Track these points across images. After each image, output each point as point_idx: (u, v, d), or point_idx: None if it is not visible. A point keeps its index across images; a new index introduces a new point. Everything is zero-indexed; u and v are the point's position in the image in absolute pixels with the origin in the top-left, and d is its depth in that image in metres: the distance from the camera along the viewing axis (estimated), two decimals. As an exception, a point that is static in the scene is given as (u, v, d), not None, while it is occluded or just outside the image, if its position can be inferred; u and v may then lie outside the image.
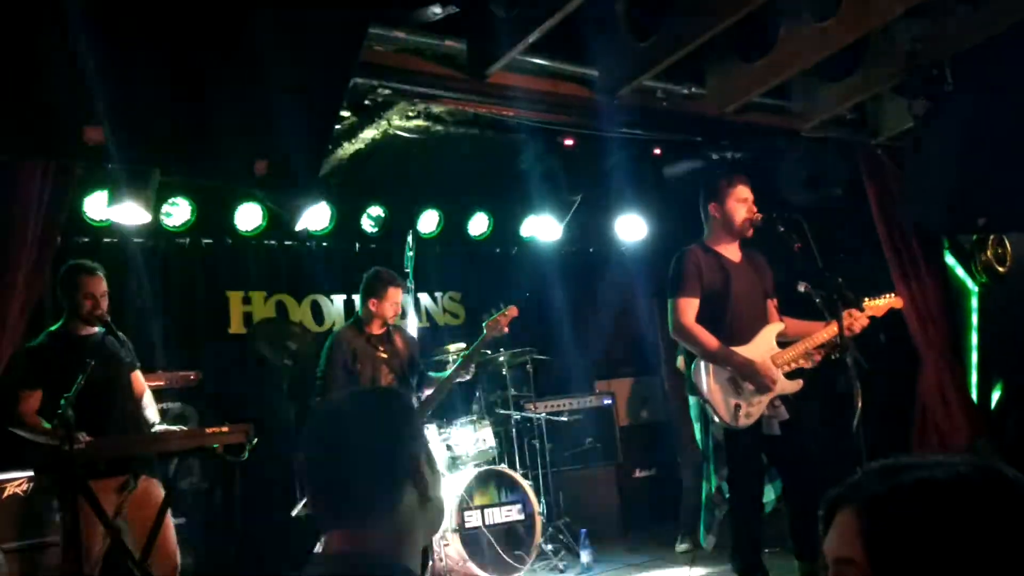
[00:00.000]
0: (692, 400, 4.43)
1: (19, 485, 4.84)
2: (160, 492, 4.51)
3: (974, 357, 6.82)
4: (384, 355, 5.30)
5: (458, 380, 5.46)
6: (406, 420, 1.59)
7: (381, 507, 1.49)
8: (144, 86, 3.23)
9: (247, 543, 5.99)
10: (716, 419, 4.24)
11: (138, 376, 4.79)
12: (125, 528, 4.37)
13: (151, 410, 4.77)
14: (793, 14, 5.08)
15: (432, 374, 5.65)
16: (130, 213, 4.39)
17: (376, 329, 5.34)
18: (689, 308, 4.39)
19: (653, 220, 7.60)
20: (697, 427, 4.41)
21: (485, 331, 5.30)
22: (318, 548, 1.54)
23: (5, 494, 4.81)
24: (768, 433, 4.29)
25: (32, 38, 2.99)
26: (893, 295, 4.72)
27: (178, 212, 6.25)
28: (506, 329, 5.34)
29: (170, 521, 4.49)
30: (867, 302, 4.52)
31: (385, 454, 1.52)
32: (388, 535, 1.48)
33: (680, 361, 4.74)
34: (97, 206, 5.91)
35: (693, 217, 4.78)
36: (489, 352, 6.19)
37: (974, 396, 6.63)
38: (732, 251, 4.56)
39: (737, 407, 4.22)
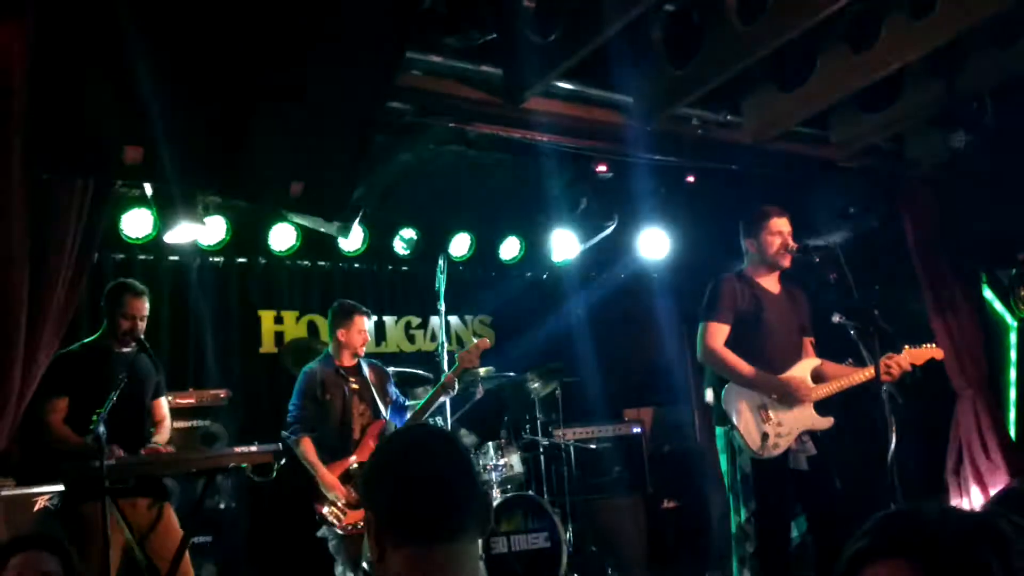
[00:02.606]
0: (719, 431, 4.38)
1: (49, 499, 4.87)
2: (175, 518, 4.54)
3: (1012, 394, 6.68)
4: (355, 386, 5.34)
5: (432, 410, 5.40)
6: None
7: (478, 527, 1.56)
8: (185, 108, 3.27)
9: (272, 563, 5.99)
10: (744, 448, 4.19)
11: (161, 403, 4.82)
12: (144, 548, 4.39)
13: (162, 436, 4.78)
14: (832, 44, 5.05)
15: (408, 402, 5.64)
16: (183, 233, 4.46)
17: (346, 361, 5.40)
18: (719, 333, 4.36)
19: (684, 247, 7.54)
20: (723, 458, 4.36)
21: (458, 362, 5.30)
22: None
23: (36, 507, 4.85)
24: (795, 468, 4.23)
25: (78, 58, 3.03)
26: (934, 345, 4.61)
27: (213, 231, 6.30)
28: (477, 361, 5.34)
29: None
30: (908, 349, 4.44)
31: (480, 478, 1.63)
32: (470, 558, 1.54)
33: (709, 394, 4.68)
34: (134, 223, 5.98)
35: (725, 243, 4.75)
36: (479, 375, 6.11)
37: (1012, 434, 6.49)
38: (771, 282, 4.53)
39: (765, 436, 4.18)
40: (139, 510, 4.44)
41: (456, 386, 5.33)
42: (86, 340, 4.67)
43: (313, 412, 5.23)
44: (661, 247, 7.48)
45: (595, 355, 8.41)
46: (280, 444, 4.77)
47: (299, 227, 6.60)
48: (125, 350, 4.58)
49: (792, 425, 4.22)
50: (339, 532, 5.02)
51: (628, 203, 7.07)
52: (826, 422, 4.35)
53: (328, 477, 5.06)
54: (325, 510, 5.05)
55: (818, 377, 4.40)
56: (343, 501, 5.02)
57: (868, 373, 4.24)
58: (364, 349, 5.46)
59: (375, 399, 5.36)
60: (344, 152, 3.85)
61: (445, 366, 5.54)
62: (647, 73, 5.05)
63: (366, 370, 5.46)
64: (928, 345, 4.58)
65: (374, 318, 5.50)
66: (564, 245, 7.79)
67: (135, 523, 4.38)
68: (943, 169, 6.19)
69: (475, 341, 5.41)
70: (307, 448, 5.15)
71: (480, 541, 1.60)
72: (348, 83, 3.61)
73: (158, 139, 3.17)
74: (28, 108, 3.05)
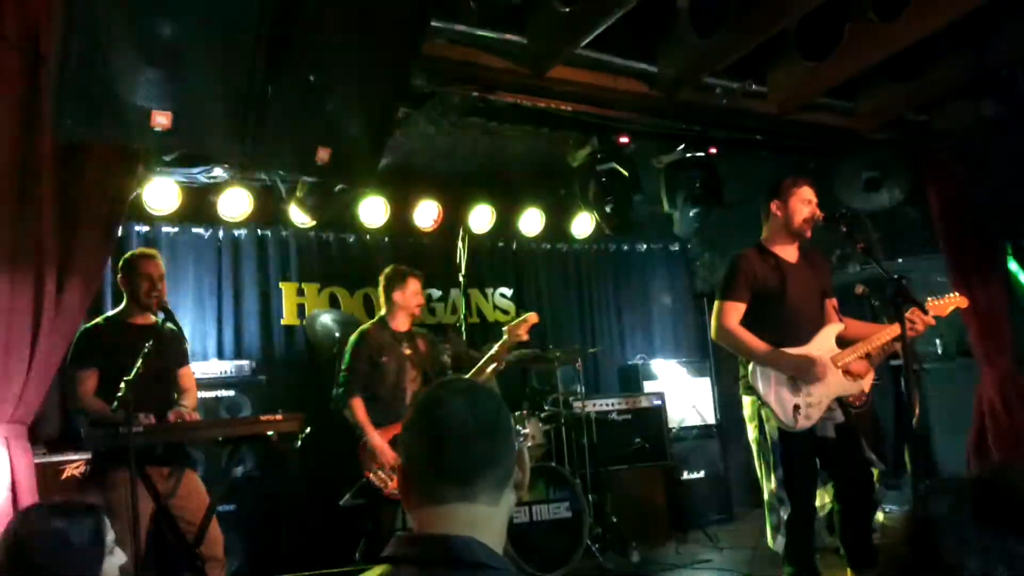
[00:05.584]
0: (747, 400, 4.37)
1: (77, 467, 4.94)
2: (202, 485, 4.59)
3: (1036, 365, 6.63)
4: (408, 351, 5.35)
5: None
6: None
7: (499, 485, 1.52)
8: (211, 74, 3.27)
9: (297, 531, 6.06)
10: (773, 420, 4.18)
11: (188, 372, 4.86)
12: (171, 514, 4.44)
13: (189, 402, 4.80)
14: (859, 12, 4.98)
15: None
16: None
17: (401, 326, 5.41)
18: (734, 312, 4.33)
19: (707, 220, 7.49)
20: (751, 427, 4.36)
21: (506, 335, 5.29)
22: (411, 526, 1.53)
23: (64, 475, 4.91)
24: (822, 435, 4.22)
25: (106, 24, 3.03)
26: (957, 295, 4.60)
27: (236, 202, 6.32)
28: (525, 336, 5.32)
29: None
30: (930, 302, 4.43)
31: (512, 437, 1.58)
32: (490, 518, 1.51)
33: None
34: (158, 196, 5.99)
35: (747, 218, 4.72)
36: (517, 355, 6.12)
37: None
38: (790, 252, 4.49)
39: (797, 408, 4.15)
40: (165, 477, 4.48)
41: (504, 360, 5.34)
42: (109, 314, 4.72)
43: (368, 373, 5.22)
44: (687, 227, 7.43)
45: (617, 328, 8.43)
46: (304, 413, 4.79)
47: (321, 199, 6.59)
48: (150, 320, 4.61)
49: (823, 394, 4.20)
50: (384, 499, 5.04)
51: (652, 175, 7.03)
52: (856, 387, 4.33)
53: (377, 439, 5.06)
54: (372, 475, 5.07)
55: (843, 341, 4.37)
56: (390, 466, 5.03)
57: (893, 331, 4.22)
58: (419, 311, 5.46)
59: (425, 366, 5.38)
60: (369, 120, 3.84)
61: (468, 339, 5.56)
62: (673, 42, 5.01)
63: (418, 339, 5.47)
64: (951, 295, 4.56)
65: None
66: (587, 220, 7.80)
67: (162, 491, 4.43)
68: (970, 140, 6.12)
69: (524, 316, 5.35)
70: (358, 408, 5.14)
71: (503, 504, 1.56)
72: (373, 50, 3.60)
73: (185, 105, 3.17)
74: (58, 75, 3.05)
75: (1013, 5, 4.88)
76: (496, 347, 5.29)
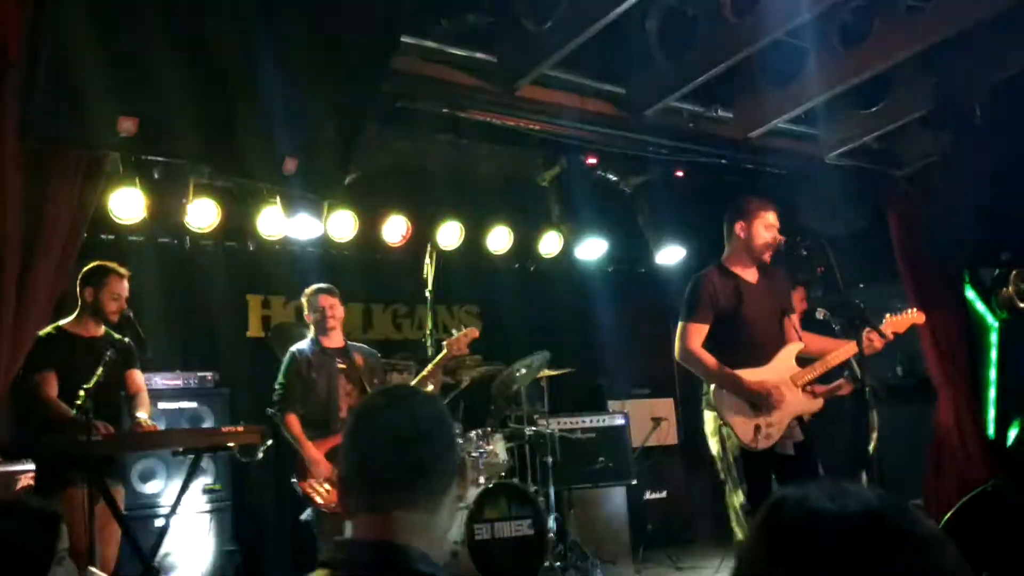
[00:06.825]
0: (708, 415, 4.40)
1: (32, 477, 4.86)
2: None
3: (992, 393, 6.76)
4: (342, 366, 5.39)
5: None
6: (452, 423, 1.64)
7: (435, 492, 1.53)
8: (179, 81, 3.27)
9: (256, 544, 6.01)
10: (735, 439, 4.22)
11: (136, 374, 4.82)
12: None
13: (142, 409, 4.76)
14: (822, 41, 5.10)
15: None
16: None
17: (330, 343, 5.44)
18: (697, 333, 4.37)
19: (673, 241, 7.58)
20: (713, 442, 4.38)
21: (445, 349, 5.34)
22: (347, 533, 1.53)
23: (19, 486, 4.84)
24: (781, 453, 4.27)
25: (74, 29, 3.04)
26: (914, 310, 4.64)
27: (204, 213, 6.28)
28: (466, 350, 5.42)
29: None
30: (889, 318, 4.49)
31: (452, 444, 1.59)
32: (427, 526, 1.51)
33: None
34: (123, 204, 5.94)
35: (714, 241, 4.77)
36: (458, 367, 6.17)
37: (991, 432, 6.57)
38: (750, 272, 4.53)
39: (757, 428, 4.20)
40: (106, 489, 4.38)
41: (441, 375, 5.36)
42: (60, 323, 4.62)
43: (299, 389, 5.26)
44: (657, 249, 7.52)
45: (582, 346, 8.45)
46: (267, 426, 4.78)
47: (288, 212, 6.58)
48: (99, 332, 4.59)
49: (783, 415, 4.25)
50: (323, 511, 5.04)
51: (619, 197, 7.11)
52: (816, 404, 4.38)
53: (313, 452, 5.09)
54: (309, 488, 5.07)
55: (805, 358, 4.43)
56: (326, 478, 5.03)
57: (851, 348, 4.29)
58: (339, 325, 5.49)
59: (361, 380, 5.39)
60: (337, 133, 3.86)
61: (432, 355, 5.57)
62: (642, 65, 5.09)
63: (354, 354, 5.49)
64: (908, 312, 4.61)
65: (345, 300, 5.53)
66: (554, 239, 7.83)
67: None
68: (930, 168, 6.27)
69: (464, 329, 5.43)
70: (293, 424, 5.19)
71: (443, 511, 1.56)
72: (344, 64, 3.62)
73: (152, 111, 3.18)
74: (25, 80, 3.05)
75: (972, 40, 5.01)
76: (433, 362, 5.33)
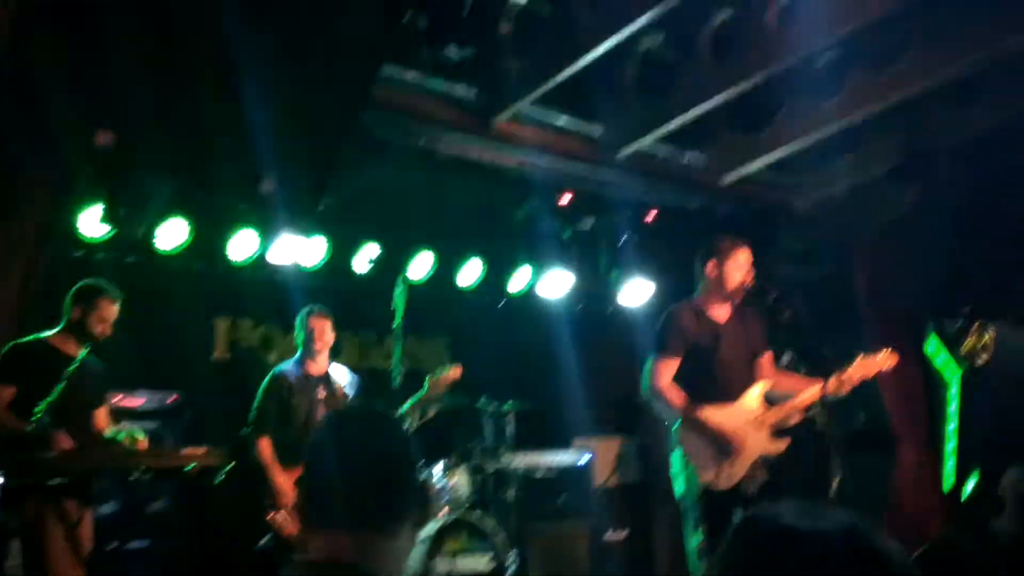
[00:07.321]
0: (675, 454, 4.39)
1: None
2: (92, 531, 4.46)
3: (951, 444, 6.82)
4: (323, 395, 5.32)
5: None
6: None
7: (398, 516, 1.52)
8: (157, 99, 3.27)
9: (211, 571, 5.90)
10: (698, 478, 4.22)
11: (104, 412, 4.75)
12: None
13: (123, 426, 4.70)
14: (796, 92, 5.21)
15: None
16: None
17: (315, 370, 5.38)
18: (666, 370, 4.37)
19: (644, 280, 7.63)
20: (680, 480, 4.37)
21: (427, 388, 5.32)
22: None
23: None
24: (745, 494, 4.27)
25: (51, 43, 3.04)
26: (888, 351, 4.47)
27: (174, 233, 6.23)
28: (444, 391, 5.41)
29: None
30: (861, 358, 4.37)
31: (417, 470, 1.59)
32: (386, 550, 1.50)
33: None
34: (91, 222, 5.88)
35: (681, 281, 4.81)
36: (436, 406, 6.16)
37: (949, 484, 6.63)
38: (722, 311, 4.54)
39: (720, 468, 4.21)
40: (68, 509, 4.30)
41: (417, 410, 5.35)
42: (42, 335, 4.56)
43: (276, 413, 5.18)
44: (625, 287, 7.57)
45: (549, 383, 8.44)
46: (228, 449, 4.71)
47: (260, 235, 6.55)
48: (79, 351, 4.52)
49: (746, 456, 4.26)
50: (284, 539, 4.96)
51: (591, 235, 7.16)
52: (780, 445, 4.36)
53: (280, 479, 5.00)
54: (274, 515, 4.99)
55: (774, 397, 4.44)
56: (290, 507, 4.95)
57: (817, 389, 4.29)
58: (326, 349, 5.44)
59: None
60: (313, 158, 3.87)
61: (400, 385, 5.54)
62: (619, 106, 5.16)
63: (336, 380, 5.43)
64: (883, 353, 4.46)
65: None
66: (526, 274, 7.86)
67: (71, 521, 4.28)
68: (897, 221, 6.38)
69: (449, 369, 5.40)
70: (264, 448, 5.11)
71: (402, 535, 1.55)
72: (325, 88, 3.64)
73: (129, 126, 3.17)
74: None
75: (940, 95, 5.14)
76: (412, 400, 5.33)
